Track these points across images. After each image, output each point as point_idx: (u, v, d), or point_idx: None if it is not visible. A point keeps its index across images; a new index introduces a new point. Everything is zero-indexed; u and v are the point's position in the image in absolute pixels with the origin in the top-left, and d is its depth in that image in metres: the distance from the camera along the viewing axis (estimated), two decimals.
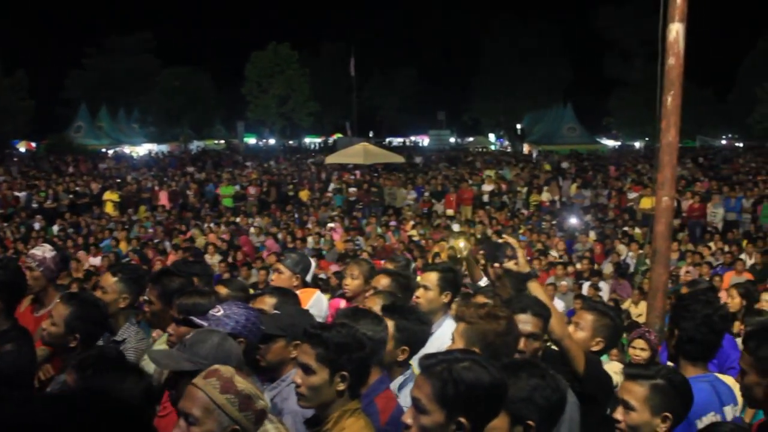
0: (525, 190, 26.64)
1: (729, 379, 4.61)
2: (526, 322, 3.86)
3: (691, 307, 3.89)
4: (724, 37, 50.79)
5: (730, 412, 3.72)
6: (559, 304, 13.03)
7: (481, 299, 4.32)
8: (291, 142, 65.50)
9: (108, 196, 25.87)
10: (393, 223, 22.11)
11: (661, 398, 3.15)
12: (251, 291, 5.59)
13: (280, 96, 51.76)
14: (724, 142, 56.28)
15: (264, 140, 64.91)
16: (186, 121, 54.37)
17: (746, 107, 34.77)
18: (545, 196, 25.73)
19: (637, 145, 52.74)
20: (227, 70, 58.43)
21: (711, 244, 18.13)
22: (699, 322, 3.80)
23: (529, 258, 16.82)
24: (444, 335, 3.68)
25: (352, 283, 5.86)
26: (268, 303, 4.36)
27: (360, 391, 3.24)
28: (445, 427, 2.58)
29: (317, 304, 5.55)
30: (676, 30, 6.87)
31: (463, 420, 2.57)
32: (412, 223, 21.81)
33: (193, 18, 74.19)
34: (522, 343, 3.72)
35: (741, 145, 51.26)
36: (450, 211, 24.14)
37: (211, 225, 21.33)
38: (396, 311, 4.04)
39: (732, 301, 7.79)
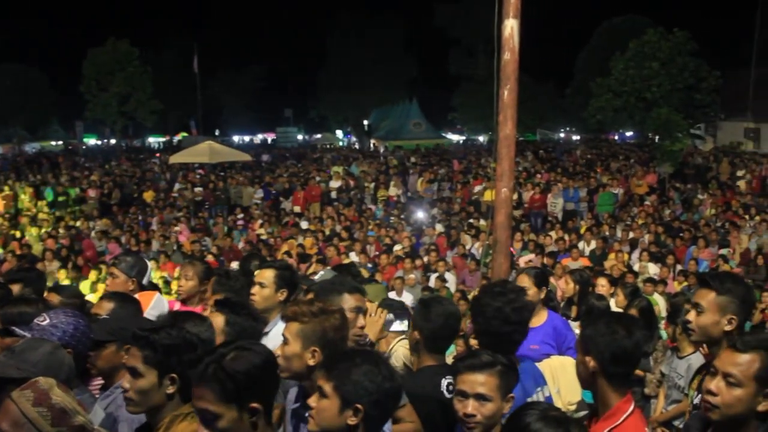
0: (372, 185, 26.85)
1: (567, 360, 4.81)
2: None
3: (483, 301, 3.95)
4: (561, 32, 52.90)
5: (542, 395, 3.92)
6: (407, 297, 13.19)
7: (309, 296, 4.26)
8: (134, 141, 63.65)
9: None
10: (240, 222, 21.82)
11: (506, 382, 3.22)
12: None
13: (120, 94, 49.99)
14: (562, 135, 58.66)
15: (105, 140, 62.67)
16: (19, 122, 51.86)
17: (582, 101, 36.20)
18: (392, 191, 26.02)
19: (481, 139, 54.22)
20: (63, 67, 56.05)
21: (552, 233, 18.81)
22: (490, 315, 3.84)
23: (377, 252, 17.08)
24: (278, 334, 3.59)
25: (186, 285, 5.74)
26: (105, 308, 4.25)
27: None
28: (241, 419, 2.63)
29: (158, 306, 5.39)
30: (510, 26, 7.04)
31: (255, 405, 2.63)
32: (260, 221, 21.59)
33: (25, 12, 70.54)
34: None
35: (578, 137, 53.57)
36: (298, 209, 24.04)
37: (49, 230, 20.41)
38: (227, 306, 3.98)
39: (567, 286, 8.12)
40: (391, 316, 4.86)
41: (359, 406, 2.77)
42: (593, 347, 3.23)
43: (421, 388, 3.89)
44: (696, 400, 3.75)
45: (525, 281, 5.59)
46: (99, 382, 3.93)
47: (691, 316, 3.67)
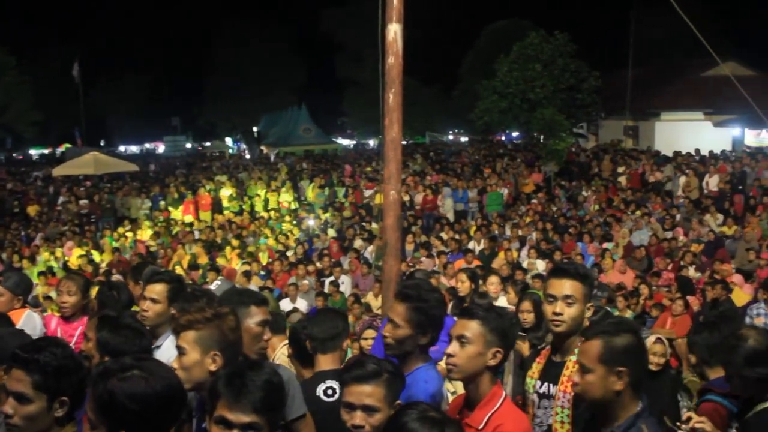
0: (264, 192, 26.67)
1: None
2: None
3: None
4: (447, 36, 53.58)
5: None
6: (301, 304, 13.17)
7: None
8: (14, 154, 61.39)
9: None
10: (128, 234, 21.34)
11: (393, 390, 3.20)
12: None
13: None
14: (451, 137, 59.44)
15: None
16: None
17: (469, 103, 36.73)
18: (284, 198, 25.90)
19: (372, 142, 54.47)
20: None
21: (443, 234, 19.06)
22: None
23: (270, 259, 16.98)
24: (170, 347, 3.53)
25: (70, 300, 5.58)
26: None
27: (75, 414, 3.03)
28: None
29: (29, 322, 5.23)
30: (394, 30, 7.08)
31: None
32: (149, 232, 21.15)
33: None
34: None
35: (466, 139, 54.40)
36: (189, 218, 23.65)
37: None
38: (105, 322, 3.87)
39: (462, 285, 8.26)
40: None
41: None
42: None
43: (305, 393, 3.87)
44: (542, 389, 3.87)
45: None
46: None
47: (560, 307, 3.78)
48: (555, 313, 3.79)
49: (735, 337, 3.80)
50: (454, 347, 3.37)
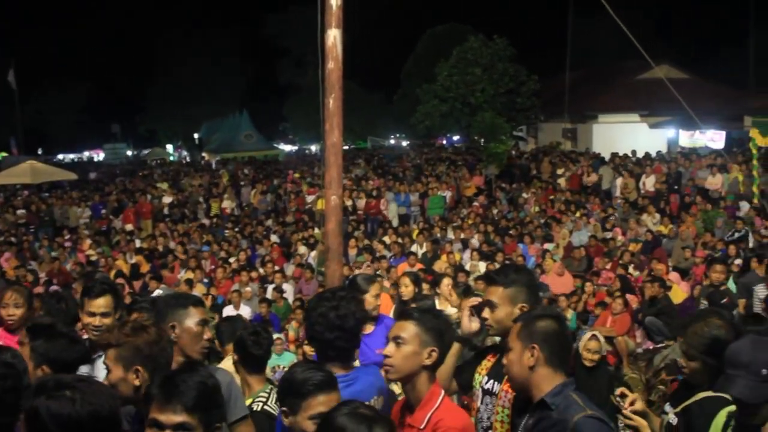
0: (205, 199, 26.50)
1: None
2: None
3: (310, 306, 4.02)
4: (388, 41, 53.78)
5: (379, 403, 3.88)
6: (245, 311, 13.10)
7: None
8: None
9: None
10: (68, 244, 20.99)
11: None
12: None
13: None
14: (392, 141, 59.62)
15: None
16: None
17: (410, 107, 36.87)
18: (226, 204, 25.74)
19: (314, 148, 54.37)
20: None
21: (386, 238, 19.12)
22: (314, 320, 3.85)
23: (213, 267, 16.86)
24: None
25: (17, 312, 5.48)
26: None
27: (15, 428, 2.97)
28: None
29: None
30: (333, 35, 7.10)
31: None
32: (89, 242, 20.83)
33: None
34: None
35: (408, 143, 54.62)
36: (130, 227, 23.35)
37: None
38: (36, 331, 3.85)
39: (406, 288, 8.33)
40: None
41: None
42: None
43: None
44: (487, 386, 3.93)
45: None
46: None
47: (486, 313, 3.88)
48: (483, 318, 3.92)
49: (704, 323, 3.87)
50: (390, 348, 3.42)
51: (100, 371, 4.07)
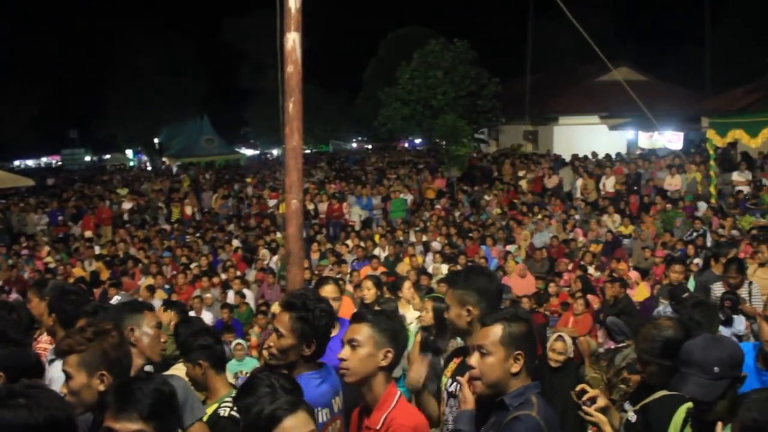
0: (165, 204, 26.28)
1: None
2: None
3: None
4: (350, 44, 53.84)
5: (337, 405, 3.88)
6: (207, 316, 12.99)
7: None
8: None
9: None
10: (25, 251, 20.67)
11: None
12: None
13: None
14: (355, 144, 59.65)
15: None
16: None
17: (372, 111, 36.90)
18: (187, 209, 25.55)
19: (275, 152, 54.17)
20: None
21: (348, 241, 19.08)
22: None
23: (174, 272, 16.70)
24: (58, 368, 3.48)
25: None
26: None
27: None
28: None
29: None
30: (292, 39, 7.07)
31: None
32: (47, 249, 20.55)
33: None
34: None
35: (370, 146, 54.67)
36: (89, 233, 23.07)
37: None
38: None
39: (368, 292, 8.33)
40: None
41: None
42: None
43: None
44: (451, 388, 3.94)
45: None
46: None
47: (446, 313, 3.96)
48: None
49: (653, 326, 3.92)
50: (345, 351, 3.44)
51: (52, 383, 4.02)
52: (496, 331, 3.23)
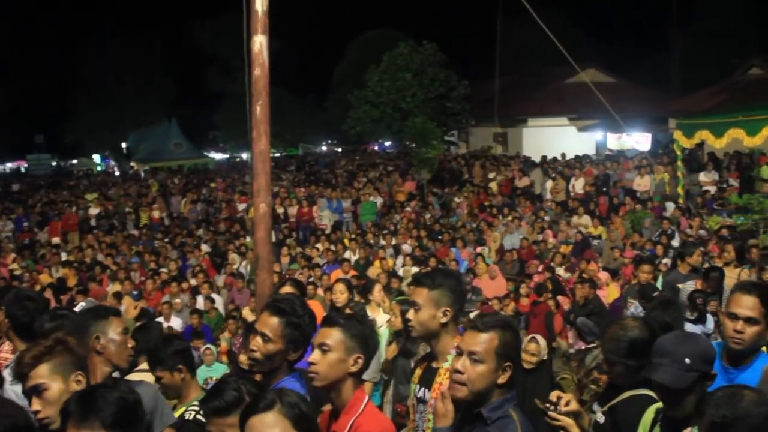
0: (133, 209, 26.06)
1: None
2: None
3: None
4: (319, 47, 53.79)
5: None
6: (176, 322, 12.88)
7: None
8: None
9: None
10: None
11: None
12: None
13: None
14: (324, 147, 59.52)
15: None
16: None
17: (342, 113, 36.90)
18: (156, 214, 25.34)
19: (245, 156, 53.94)
20: None
21: (318, 245, 19.01)
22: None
23: (143, 278, 16.54)
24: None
25: None
26: None
27: None
28: None
29: None
30: (259, 42, 7.02)
31: None
32: (12, 255, 20.28)
33: None
34: None
35: (340, 149, 54.59)
36: (56, 239, 22.80)
37: None
38: None
39: (340, 295, 8.30)
40: None
41: None
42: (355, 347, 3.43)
43: None
44: (419, 394, 3.91)
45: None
46: None
47: (410, 314, 3.88)
48: (407, 319, 3.96)
49: (619, 327, 3.93)
50: (315, 355, 3.38)
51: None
52: (492, 339, 3.15)
